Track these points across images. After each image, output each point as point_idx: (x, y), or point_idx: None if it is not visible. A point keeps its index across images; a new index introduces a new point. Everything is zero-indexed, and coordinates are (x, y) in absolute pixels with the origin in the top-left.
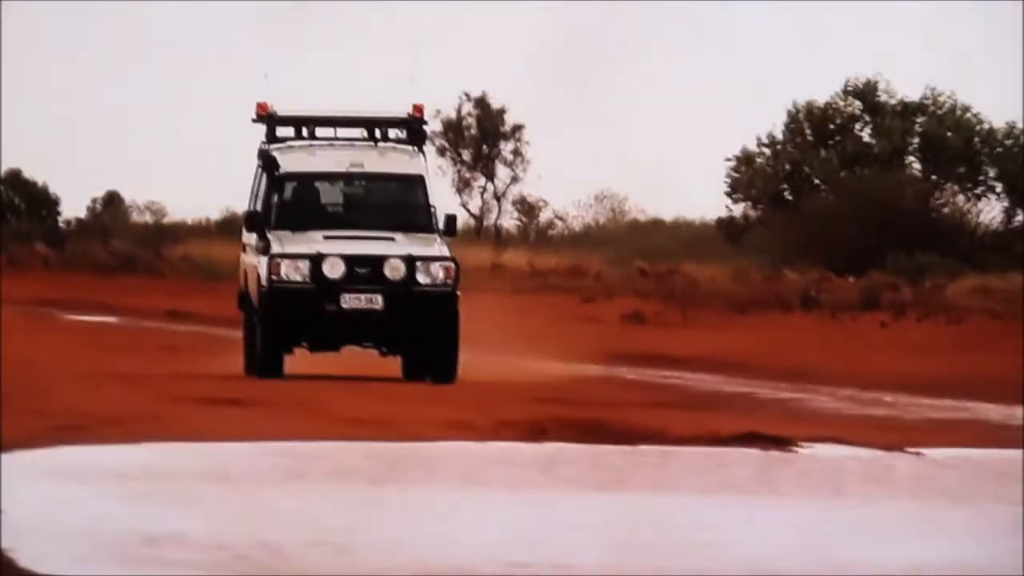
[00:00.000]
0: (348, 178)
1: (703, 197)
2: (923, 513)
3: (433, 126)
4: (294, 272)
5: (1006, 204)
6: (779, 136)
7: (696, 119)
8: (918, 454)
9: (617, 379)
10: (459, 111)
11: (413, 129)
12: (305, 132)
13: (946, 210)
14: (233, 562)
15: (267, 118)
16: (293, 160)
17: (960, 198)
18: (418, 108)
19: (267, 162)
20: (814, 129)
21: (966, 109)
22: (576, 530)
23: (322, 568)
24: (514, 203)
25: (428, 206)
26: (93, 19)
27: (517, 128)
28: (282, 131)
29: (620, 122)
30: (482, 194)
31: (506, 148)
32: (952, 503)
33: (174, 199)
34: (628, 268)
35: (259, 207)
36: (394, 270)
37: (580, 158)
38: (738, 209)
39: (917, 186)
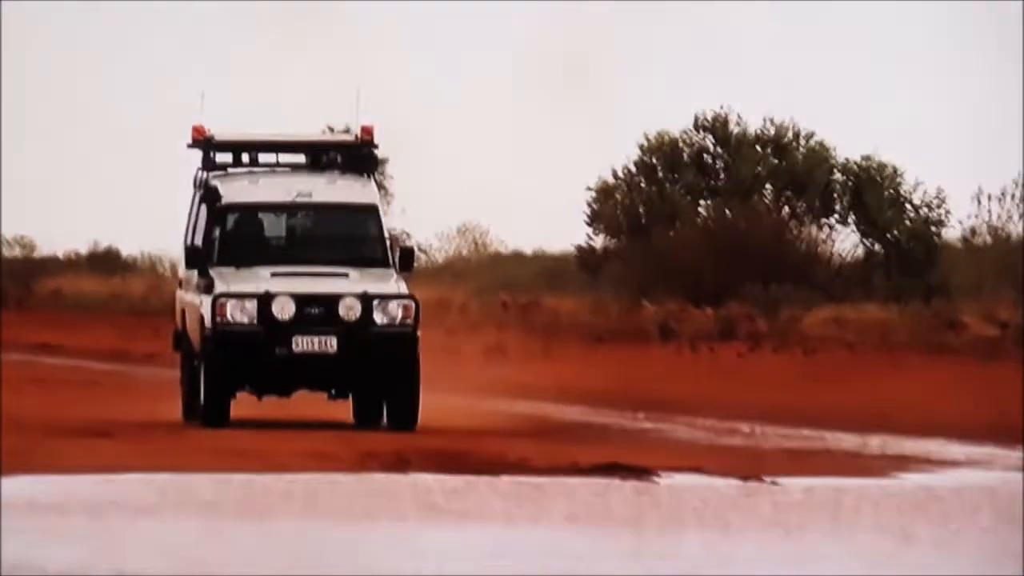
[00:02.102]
0: (295, 209)
1: (563, 228)
2: (783, 542)
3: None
4: (240, 313)
5: (860, 236)
6: (633, 169)
7: (555, 149)
8: (774, 483)
9: (480, 410)
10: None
11: (362, 154)
12: (245, 159)
13: (801, 241)
14: None
15: (204, 143)
16: (235, 190)
17: (814, 229)
18: (367, 130)
19: (207, 192)
20: (665, 162)
21: (815, 140)
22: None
23: None
24: None
25: (383, 238)
26: None
27: (380, 162)
28: (219, 157)
29: (480, 153)
30: None
31: None
32: (809, 532)
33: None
34: (490, 300)
35: (198, 241)
36: (349, 309)
37: (442, 190)
38: (598, 241)
39: (770, 217)
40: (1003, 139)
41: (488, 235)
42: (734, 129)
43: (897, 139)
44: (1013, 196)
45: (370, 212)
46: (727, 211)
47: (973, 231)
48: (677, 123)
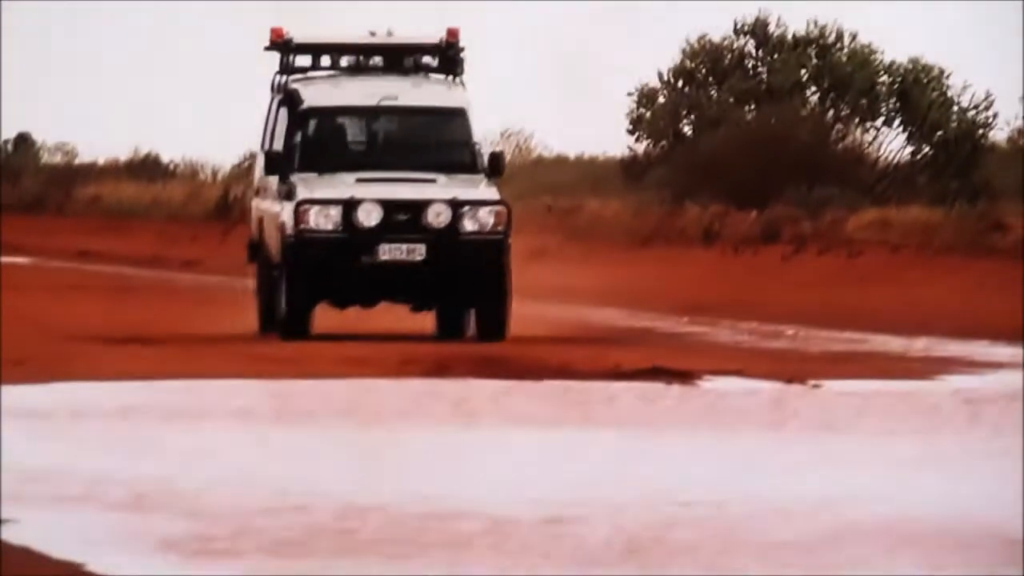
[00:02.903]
0: (381, 112)
1: (607, 133)
2: (829, 446)
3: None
4: (324, 220)
5: (906, 137)
6: (676, 74)
7: (595, 58)
8: (817, 386)
9: (520, 315)
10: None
11: (448, 56)
12: (324, 62)
13: (845, 143)
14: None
15: (282, 45)
16: (317, 93)
17: (859, 131)
18: (452, 32)
19: (287, 96)
20: (709, 67)
21: (860, 43)
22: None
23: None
24: None
25: (471, 143)
26: None
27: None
28: (299, 61)
29: (522, 59)
30: None
31: None
32: (857, 435)
33: (85, 139)
34: (534, 204)
35: (277, 146)
36: (438, 216)
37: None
38: (640, 147)
39: (814, 120)
40: None
41: (532, 140)
42: (775, 31)
43: (945, 41)
44: None
45: (458, 115)
46: (770, 115)
47: (1021, 132)
48: (720, 27)
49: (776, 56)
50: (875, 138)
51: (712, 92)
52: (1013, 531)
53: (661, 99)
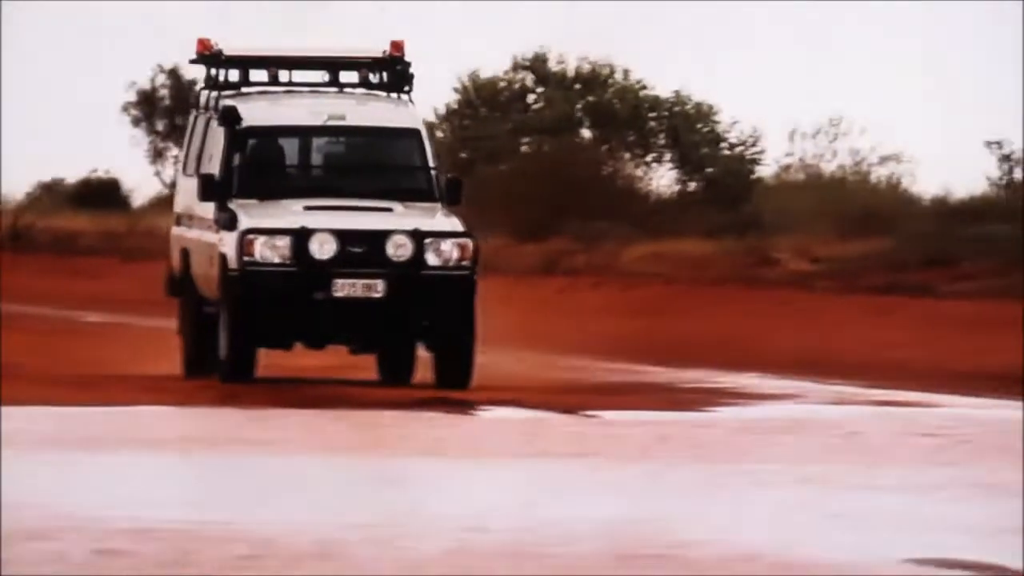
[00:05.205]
0: (329, 133)
1: None
2: (597, 472)
3: (127, 97)
4: (271, 252)
5: (677, 172)
6: (451, 110)
7: None
8: (592, 416)
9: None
10: (153, 82)
11: (395, 71)
12: (255, 78)
13: (619, 178)
14: None
15: (210, 58)
16: (256, 111)
17: (632, 165)
18: (397, 46)
19: (224, 114)
20: (485, 102)
21: (634, 79)
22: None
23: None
24: None
25: (428, 168)
26: None
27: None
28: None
29: None
30: (175, 164)
31: None
32: (624, 462)
33: None
34: None
35: (212, 169)
36: (399, 248)
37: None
38: None
39: (588, 154)
40: (816, 77)
41: None
42: (553, 67)
43: (715, 78)
44: (826, 134)
45: (411, 136)
46: (546, 150)
47: (788, 168)
48: (498, 63)
49: (551, 91)
50: (647, 173)
51: (488, 125)
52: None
53: (440, 134)
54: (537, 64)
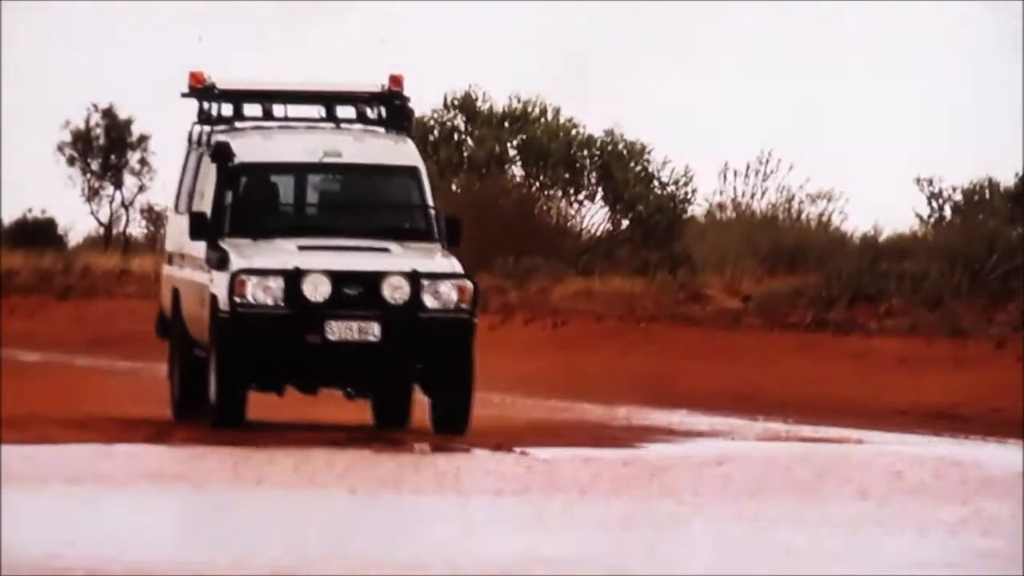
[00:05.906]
0: (326, 170)
1: None
2: (536, 509)
3: (62, 136)
4: (263, 293)
5: (608, 210)
6: None
7: None
8: (524, 453)
9: None
10: (88, 121)
11: (393, 107)
12: (249, 112)
13: (551, 215)
14: None
15: (202, 91)
16: (250, 147)
17: (563, 203)
18: (396, 80)
19: (217, 150)
20: (419, 140)
21: (564, 117)
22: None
23: None
24: (141, 211)
25: (426, 206)
26: None
27: (143, 138)
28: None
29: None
30: (111, 203)
31: (133, 158)
32: (553, 500)
33: None
34: None
35: (204, 207)
36: (395, 290)
37: None
38: None
39: (519, 192)
40: (748, 114)
41: None
42: (482, 106)
43: (647, 117)
44: (757, 172)
45: (410, 175)
46: (477, 187)
47: (720, 206)
48: (427, 102)
49: (481, 129)
50: (579, 211)
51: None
52: None
53: None
54: (467, 103)
